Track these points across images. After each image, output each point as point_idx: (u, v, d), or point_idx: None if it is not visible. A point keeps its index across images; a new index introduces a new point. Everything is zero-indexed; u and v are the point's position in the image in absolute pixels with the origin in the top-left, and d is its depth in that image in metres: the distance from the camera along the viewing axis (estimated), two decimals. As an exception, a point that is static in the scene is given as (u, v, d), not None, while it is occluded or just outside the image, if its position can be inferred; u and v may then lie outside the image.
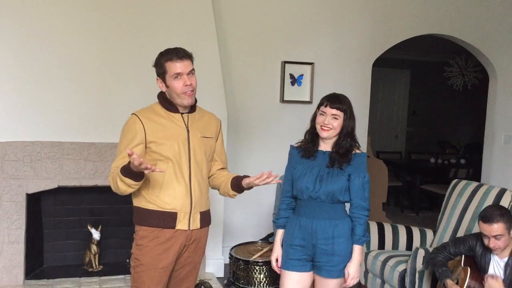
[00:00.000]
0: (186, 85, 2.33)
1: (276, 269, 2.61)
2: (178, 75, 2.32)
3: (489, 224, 2.71)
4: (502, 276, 2.74)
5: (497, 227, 2.69)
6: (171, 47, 2.44)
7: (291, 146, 2.63)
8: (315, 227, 2.46)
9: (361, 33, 4.95)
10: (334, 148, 2.48)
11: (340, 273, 2.46)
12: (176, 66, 2.32)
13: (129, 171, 2.17)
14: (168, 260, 2.37)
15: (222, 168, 2.62)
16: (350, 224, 2.48)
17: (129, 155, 2.09)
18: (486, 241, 2.76)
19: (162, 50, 2.44)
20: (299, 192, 2.49)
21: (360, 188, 2.45)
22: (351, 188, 2.45)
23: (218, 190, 2.59)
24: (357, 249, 2.46)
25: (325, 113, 2.46)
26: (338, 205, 2.47)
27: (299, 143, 2.60)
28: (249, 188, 2.48)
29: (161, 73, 2.35)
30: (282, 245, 2.60)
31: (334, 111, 2.44)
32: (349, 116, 2.47)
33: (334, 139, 2.50)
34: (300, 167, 2.51)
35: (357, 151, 2.50)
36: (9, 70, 3.76)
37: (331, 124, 2.44)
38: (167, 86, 2.35)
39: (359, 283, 4.09)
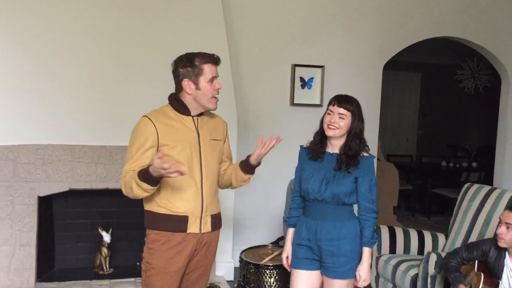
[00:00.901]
0: (217, 88, 2.38)
1: (286, 266, 2.67)
2: (214, 78, 2.36)
3: (511, 211, 2.69)
4: None
5: None
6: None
7: (301, 147, 2.67)
8: (320, 228, 2.49)
9: (371, 36, 4.93)
10: (343, 150, 2.49)
11: (347, 274, 2.48)
12: (214, 70, 2.37)
13: (148, 176, 2.15)
14: (180, 263, 2.37)
15: (231, 165, 2.64)
16: (357, 225, 2.50)
17: (160, 158, 2.07)
18: (498, 228, 2.73)
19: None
20: (305, 193, 2.54)
21: (368, 190, 2.46)
22: (358, 191, 2.47)
23: (231, 184, 2.59)
24: (366, 251, 2.48)
25: (332, 112, 2.49)
26: (344, 206, 2.49)
27: (308, 144, 2.63)
28: (259, 163, 2.53)
29: (194, 73, 2.33)
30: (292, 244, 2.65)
31: (342, 110, 2.47)
32: (357, 117, 2.49)
33: (342, 141, 2.51)
34: (308, 168, 2.55)
35: (365, 154, 2.51)
36: (22, 74, 3.79)
37: (337, 123, 2.46)
38: (198, 88, 2.34)
39: (370, 287, 4.06)
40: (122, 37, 4.01)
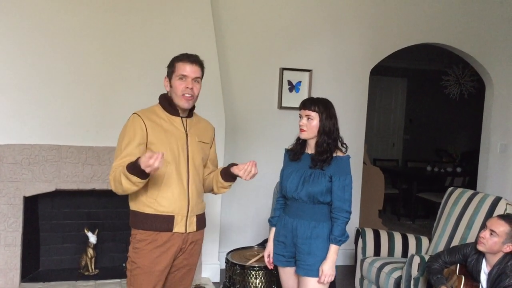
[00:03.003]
0: (187, 88, 2.37)
1: (268, 264, 2.78)
2: (183, 76, 2.38)
3: (500, 218, 2.77)
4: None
5: (502, 226, 2.72)
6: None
7: (285, 149, 2.78)
8: (295, 226, 2.60)
9: (359, 41, 4.99)
10: (315, 149, 2.59)
11: (316, 273, 2.55)
12: (185, 68, 2.38)
13: (137, 169, 2.15)
14: (165, 263, 2.38)
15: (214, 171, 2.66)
16: (330, 227, 2.57)
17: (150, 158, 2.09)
18: (481, 232, 2.79)
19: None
20: (285, 192, 2.65)
21: (340, 190, 2.53)
22: (332, 190, 2.54)
23: (212, 189, 2.63)
24: (332, 248, 2.55)
25: (301, 115, 2.61)
26: (320, 206, 2.57)
27: (291, 146, 2.74)
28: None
29: (170, 72, 2.42)
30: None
31: (307, 112, 2.58)
32: (326, 116, 2.57)
33: (315, 141, 2.60)
34: (288, 168, 2.67)
35: (340, 154, 2.59)
36: (9, 73, 3.78)
37: (305, 125, 2.58)
38: (171, 85, 2.41)
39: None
40: (111, 39, 4.01)
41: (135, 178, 2.19)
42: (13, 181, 3.76)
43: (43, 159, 3.80)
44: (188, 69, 2.38)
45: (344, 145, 2.64)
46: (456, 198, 3.75)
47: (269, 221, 2.81)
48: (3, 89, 3.76)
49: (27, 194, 3.81)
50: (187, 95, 2.38)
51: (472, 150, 8.34)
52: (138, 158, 2.17)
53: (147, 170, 2.11)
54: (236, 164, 2.50)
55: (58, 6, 3.90)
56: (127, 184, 2.23)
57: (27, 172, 3.78)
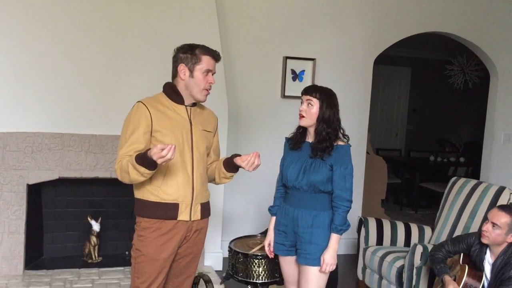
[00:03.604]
0: (210, 82, 2.39)
1: (268, 253, 2.78)
2: (209, 72, 2.39)
3: (500, 210, 2.76)
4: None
5: (503, 218, 2.72)
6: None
7: (286, 138, 2.76)
8: (296, 215, 2.59)
9: (363, 30, 4.96)
10: (315, 137, 2.58)
11: (317, 262, 2.55)
12: (212, 64, 2.40)
13: (146, 160, 2.15)
14: (169, 250, 2.39)
15: (216, 160, 2.66)
16: (331, 216, 2.56)
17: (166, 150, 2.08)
18: (484, 225, 2.79)
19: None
20: (285, 181, 2.64)
21: (341, 178, 2.52)
22: (333, 179, 2.53)
23: (214, 179, 2.63)
24: (334, 237, 2.54)
25: (302, 101, 2.60)
26: (321, 195, 2.56)
27: (291, 135, 2.72)
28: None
29: (192, 62, 2.37)
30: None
31: (308, 97, 2.56)
32: (327, 104, 2.55)
33: (314, 128, 2.59)
34: (289, 157, 2.66)
35: (341, 143, 2.57)
36: (11, 61, 3.77)
37: (305, 111, 2.56)
38: (191, 76, 2.37)
39: (357, 279, 4.11)
40: (113, 28, 3.99)
41: (143, 169, 2.19)
42: (17, 169, 3.77)
43: (46, 147, 3.81)
44: (214, 65, 2.41)
45: (346, 136, 2.61)
46: (459, 187, 3.75)
47: (269, 210, 2.80)
48: (5, 78, 3.75)
49: (31, 182, 3.82)
50: (208, 89, 2.41)
51: (475, 140, 8.31)
52: (148, 149, 2.16)
53: (159, 161, 2.10)
54: (239, 155, 2.49)
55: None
56: (134, 174, 2.23)
57: (30, 160, 3.78)
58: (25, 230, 3.85)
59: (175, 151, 2.32)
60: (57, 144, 3.84)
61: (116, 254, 4.32)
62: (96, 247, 4.17)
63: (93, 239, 4.15)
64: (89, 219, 4.13)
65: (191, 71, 2.37)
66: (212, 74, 2.43)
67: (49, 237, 4.21)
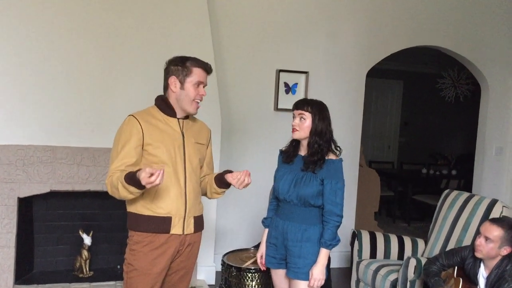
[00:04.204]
0: (201, 95, 2.40)
1: (260, 265, 2.79)
2: (200, 84, 2.39)
3: (492, 223, 2.76)
4: None
5: (495, 231, 2.72)
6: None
7: (280, 151, 2.78)
8: (286, 228, 2.60)
9: (355, 43, 4.99)
10: (307, 150, 2.58)
11: (306, 276, 2.54)
12: (203, 76, 2.41)
13: (135, 180, 2.14)
14: (162, 265, 2.36)
15: (209, 174, 2.64)
16: (321, 230, 2.56)
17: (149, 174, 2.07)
18: (477, 239, 2.79)
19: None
20: (277, 193, 2.66)
21: (332, 193, 2.52)
22: (324, 193, 2.54)
23: (206, 193, 2.62)
24: (323, 252, 2.53)
25: (294, 115, 2.62)
26: (311, 209, 2.56)
27: (285, 148, 2.74)
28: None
29: (183, 74, 2.37)
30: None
31: (300, 111, 2.59)
32: (319, 118, 2.57)
33: (307, 141, 2.60)
34: (282, 170, 2.68)
35: (333, 157, 2.57)
36: (3, 74, 3.75)
37: (297, 125, 2.58)
38: (182, 88, 2.37)
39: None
40: (106, 41, 3.99)
41: (132, 188, 2.18)
42: (8, 182, 3.73)
43: (38, 160, 3.78)
44: (205, 77, 2.41)
45: (338, 148, 2.63)
46: (452, 200, 3.75)
47: (263, 222, 2.82)
48: (-3, 89, 3.73)
49: (22, 195, 3.78)
50: (198, 101, 2.40)
51: (467, 152, 8.36)
52: (138, 170, 2.15)
53: (148, 186, 2.10)
54: (231, 171, 2.48)
55: (54, 8, 3.88)
56: (124, 192, 2.22)
57: (21, 173, 3.75)
58: (16, 244, 3.80)
59: (168, 161, 2.32)
60: (49, 157, 3.81)
61: (107, 268, 4.27)
62: (88, 261, 4.12)
63: (85, 253, 4.10)
64: (80, 232, 4.09)
65: (182, 83, 2.38)
66: (204, 87, 2.43)
67: (40, 251, 4.16)
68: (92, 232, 4.13)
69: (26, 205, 3.95)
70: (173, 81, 2.38)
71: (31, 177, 3.77)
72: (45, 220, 4.14)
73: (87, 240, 4.10)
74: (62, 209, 4.17)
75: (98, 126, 3.89)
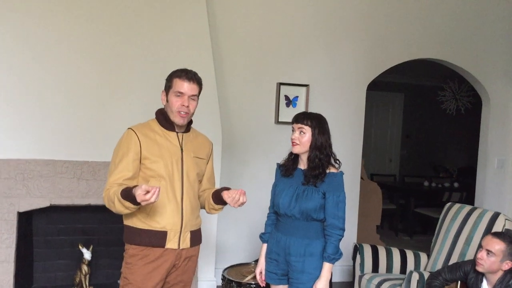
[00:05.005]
0: (183, 105, 2.36)
1: (260, 281, 2.74)
2: (180, 93, 2.37)
3: (494, 237, 2.73)
4: None
5: (497, 245, 2.69)
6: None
7: (277, 164, 2.75)
8: (288, 243, 2.56)
9: (356, 56, 5.00)
10: (307, 164, 2.56)
11: None
12: (182, 85, 2.37)
13: (131, 196, 2.14)
14: (157, 279, 2.35)
15: (209, 189, 2.63)
16: (324, 244, 2.54)
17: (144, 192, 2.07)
18: (478, 253, 2.76)
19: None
20: (277, 208, 2.62)
21: (334, 206, 2.50)
22: (326, 207, 2.52)
23: (204, 208, 2.60)
24: (326, 266, 2.51)
25: (294, 129, 2.60)
26: (313, 223, 2.54)
27: (283, 161, 2.70)
28: None
29: (167, 87, 2.41)
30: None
31: (299, 125, 2.57)
32: (319, 131, 2.55)
33: (307, 155, 2.57)
34: (281, 184, 2.64)
35: (333, 170, 2.56)
36: (3, 88, 3.75)
37: (297, 139, 2.56)
38: (167, 101, 2.40)
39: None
40: (106, 53, 4.00)
41: (128, 204, 2.19)
42: (8, 196, 3.72)
43: (38, 174, 3.76)
44: (185, 87, 2.36)
45: (338, 161, 2.61)
46: (454, 213, 3.73)
47: (261, 237, 2.77)
48: (-2, 104, 3.73)
49: (22, 210, 3.76)
50: (182, 112, 2.37)
51: (469, 165, 8.34)
52: (134, 186, 2.15)
53: (143, 204, 2.10)
54: (228, 188, 2.47)
55: (52, 22, 3.89)
56: (120, 207, 2.22)
57: (21, 187, 3.74)
58: (15, 259, 3.78)
59: (165, 175, 2.31)
60: (49, 171, 3.79)
61: (107, 283, 4.23)
62: (87, 275, 4.09)
63: (84, 268, 4.07)
64: (80, 247, 4.07)
65: (167, 95, 2.41)
66: (192, 98, 2.40)
67: (39, 266, 4.12)
68: (92, 246, 4.10)
69: (26, 220, 3.93)
70: (163, 95, 2.44)
71: (31, 192, 3.76)
72: (45, 234, 4.12)
73: (87, 254, 4.06)
74: (62, 224, 4.14)
75: (99, 140, 3.88)
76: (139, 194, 2.07)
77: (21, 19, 3.82)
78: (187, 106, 2.37)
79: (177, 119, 2.38)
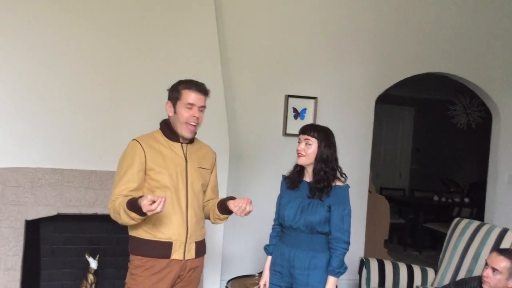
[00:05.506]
0: (193, 116, 2.37)
1: None
2: (190, 105, 2.37)
3: (499, 254, 2.70)
4: None
5: (502, 262, 2.66)
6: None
7: (283, 176, 2.75)
8: (293, 256, 2.55)
9: (364, 69, 5.00)
10: (313, 177, 2.55)
11: None
12: (192, 97, 2.38)
13: (137, 207, 2.15)
14: (162, 289, 2.34)
15: (213, 199, 2.63)
16: (329, 257, 2.52)
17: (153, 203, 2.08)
18: (484, 271, 2.73)
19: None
20: (282, 220, 2.62)
21: (339, 220, 2.49)
22: (331, 220, 2.51)
23: (209, 218, 2.60)
24: (331, 280, 2.50)
25: (300, 140, 2.60)
26: (318, 236, 2.53)
27: (289, 173, 2.69)
28: None
29: (174, 98, 2.39)
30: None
31: (306, 136, 2.57)
32: (325, 144, 2.55)
33: (312, 167, 2.56)
34: (286, 196, 2.64)
35: (339, 183, 2.55)
36: (12, 97, 3.80)
37: (303, 150, 2.55)
38: (175, 112, 2.39)
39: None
40: (114, 63, 4.04)
41: (133, 215, 2.20)
42: (16, 204, 3.74)
43: (46, 182, 3.79)
44: (195, 98, 2.38)
45: (344, 175, 2.61)
46: (462, 229, 3.69)
47: (265, 249, 2.77)
48: (7, 113, 3.77)
49: (29, 218, 3.79)
50: (192, 123, 2.38)
51: (480, 180, 8.25)
52: (140, 197, 2.16)
53: (149, 214, 2.11)
54: (233, 198, 2.47)
55: (60, 32, 3.94)
56: (125, 218, 2.24)
57: (29, 196, 3.77)
58: (22, 267, 3.79)
59: (170, 186, 2.32)
60: (57, 180, 3.82)
61: (113, 293, 4.23)
62: (93, 285, 4.09)
63: (90, 277, 4.07)
64: (86, 256, 4.08)
65: (175, 107, 2.39)
66: (201, 109, 2.41)
67: (46, 274, 4.13)
68: (98, 255, 4.11)
69: (33, 228, 3.95)
70: (168, 106, 2.43)
71: (39, 200, 3.79)
72: (52, 243, 4.13)
73: (93, 264, 4.07)
74: (69, 232, 4.16)
75: (106, 150, 3.91)
76: (144, 204, 2.08)
77: (34, 29, 3.88)
78: (197, 118, 2.39)
79: (186, 132, 2.39)
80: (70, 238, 4.17)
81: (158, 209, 2.07)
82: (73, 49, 3.96)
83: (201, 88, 2.40)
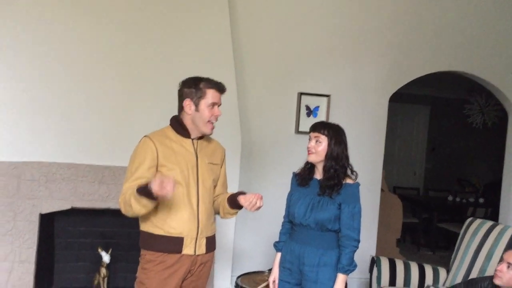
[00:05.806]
0: (216, 115, 2.41)
1: None
2: (214, 105, 2.41)
3: None
4: None
5: None
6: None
7: (293, 173, 2.74)
8: (302, 253, 2.55)
9: (378, 67, 4.98)
10: (323, 174, 2.55)
11: None
12: (217, 96, 2.42)
13: (147, 191, 2.16)
14: (173, 284, 2.38)
15: (222, 194, 2.64)
16: (339, 255, 2.52)
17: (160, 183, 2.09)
18: (498, 265, 2.71)
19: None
20: (292, 217, 2.62)
21: (349, 218, 2.49)
22: (341, 218, 2.51)
23: (219, 212, 2.62)
24: (340, 278, 2.49)
25: (310, 138, 2.60)
26: (328, 233, 2.53)
27: (299, 170, 2.69)
28: None
29: (197, 96, 2.40)
30: None
31: (316, 134, 2.56)
32: (335, 141, 2.54)
33: (322, 165, 2.56)
34: (297, 193, 2.63)
35: (349, 181, 2.55)
36: (29, 92, 3.86)
37: (313, 147, 2.55)
38: (197, 110, 2.40)
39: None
40: (128, 59, 4.08)
41: (145, 201, 2.20)
42: (31, 198, 3.81)
43: (60, 177, 3.85)
44: (218, 98, 2.43)
45: (354, 173, 2.60)
46: (475, 229, 3.66)
47: (275, 245, 2.78)
48: (23, 108, 3.83)
49: (44, 211, 3.85)
50: (214, 122, 2.42)
51: (495, 180, 8.14)
52: (149, 182, 2.17)
53: (159, 193, 2.11)
54: (244, 193, 2.48)
55: (78, 30, 3.99)
56: (137, 206, 2.24)
57: (44, 190, 3.83)
58: (36, 260, 3.86)
59: (182, 181, 2.33)
60: (72, 174, 3.88)
61: (125, 287, 4.27)
62: (106, 278, 4.14)
63: (103, 271, 4.13)
64: (99, 250, 4.13)
65: (197, 105, 2.40)
66: (218, 106, 2.45)
67: (59, 267, 4.20)
68: (111, 250, 4.15)
69: (47, 222, 4.01)
70: (188, 103, 2.41)
71: (53, 194, 3.84)
72: (66, 236, 4.19)
73: (106, 257, 4.12)
74: (83, 226, 4.22)
75: (120, 145, 3.94)
76: (154, 185, 2.09)
77: (53, 27, 3.93)
78: (218, 116, 2.44)
79: (207, 129, 2.43)
80: (84, 232, 4.23)
81: (168, 188, 2.07)
82: (89, 48, 4.01)
83: (223, 88, 2.45)
